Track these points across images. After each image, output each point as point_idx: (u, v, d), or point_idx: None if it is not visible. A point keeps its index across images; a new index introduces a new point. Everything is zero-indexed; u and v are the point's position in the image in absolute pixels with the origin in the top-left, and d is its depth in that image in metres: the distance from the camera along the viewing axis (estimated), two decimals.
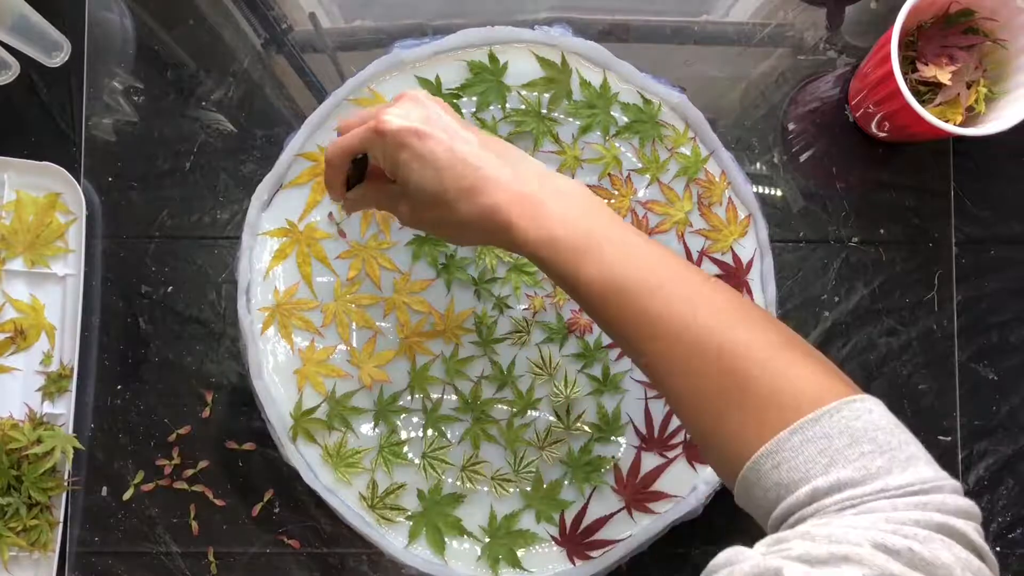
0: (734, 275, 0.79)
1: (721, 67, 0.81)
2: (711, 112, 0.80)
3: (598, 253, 0.55)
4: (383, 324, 0.79)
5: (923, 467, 0.46)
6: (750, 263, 0.79)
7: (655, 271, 0.54)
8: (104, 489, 0.79)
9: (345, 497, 0.78)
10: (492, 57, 0.79)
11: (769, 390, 0.49)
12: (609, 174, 0.79)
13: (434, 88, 0.79)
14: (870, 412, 0.48)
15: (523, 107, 0.79)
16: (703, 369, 0.52)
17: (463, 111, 0.79)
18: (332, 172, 0.63)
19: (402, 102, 0.59)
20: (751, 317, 0.53)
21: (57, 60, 0.80)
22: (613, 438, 0.78)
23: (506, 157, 0.58)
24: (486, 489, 0.78)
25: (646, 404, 0.78)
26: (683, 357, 0.52)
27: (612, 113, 0.79)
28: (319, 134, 0.79)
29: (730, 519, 0.79)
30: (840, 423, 0.47)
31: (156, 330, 0.80)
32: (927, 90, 0.73)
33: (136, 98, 0.81)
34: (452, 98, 0.79)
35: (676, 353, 0.53)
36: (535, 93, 0.79)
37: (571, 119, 0.79)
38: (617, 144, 0.79)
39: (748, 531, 0.78)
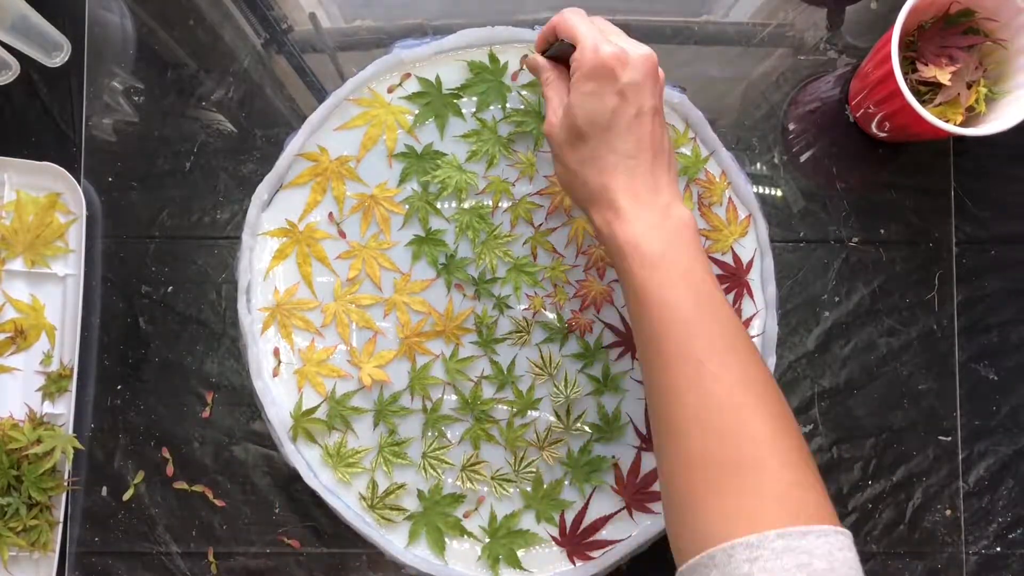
0: (734, 275, 0.79)
1: (721, 67, 0.81)
2: (711, 112, 0.80)
3: (665, 275, 0.59)
4: (383, 324, 0.79)
5: None
6: (750, 263, 0.79)
7: (709, 320, 0.59)
8: (104, 489, 0.79)
9: (345, 497, 0.78)
10: (492, 57, 0.79)
11: (781, 487, 0.52)
12: None
13: (435, 88, 0.79)
14: (850, 550, 0.50)
15: (523, 107, 0.79)
16: (717, 431, 0.55)
17: (463, 111, 0.79)
18: (544, 33, 0.70)
19: (641, 60, 0.62)
20: (781, 412, 0.57)
21: (57, 60, 0.80)
22: (613, 438, 0.78)
23: (654, 162, 0.63)
24: (486, 489, 0.78)
25: (646, 404, 0.78)
26: (698, 407, 0.56)
27: None
28: (319, 134, 0.79)
29: None
30: (824, 547, 0.49)
31: (156, 330, 0.80)
32: (927, 90, 0.73)
33: (136, 98, 0.81)
34: (452, 98, 0.79)
35: (691, 400, 0.56)
36: (535, 93, 0.79)
37: None
38: None
39: None
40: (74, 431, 0.77)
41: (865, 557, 0.78)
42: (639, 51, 0.62)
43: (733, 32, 0.82)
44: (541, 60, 0.71)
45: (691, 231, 0.62)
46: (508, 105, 0.79)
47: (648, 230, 0.60)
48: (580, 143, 0.63)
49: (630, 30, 0.80)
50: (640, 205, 0.61)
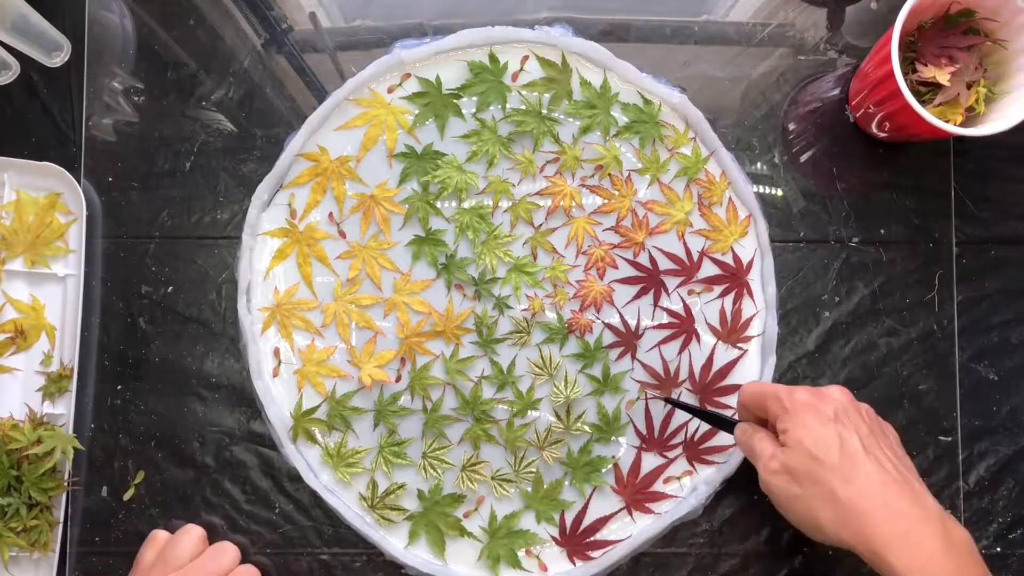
0: (735, 275, 0.79)
1: (721, 67, 0.81)
2: (711, 112, 0.80)
3: None
4: (383, 324, 0.79)
5: None
6: (750, 263, 0.79)
7: None
8: (104, 489, 0.79)
9: (345, 497, 0.78)
10: (492, 57, 0.79)
11: None
12: (609, 174, 0.79)
13: (435, 88, 0.79)
14: None
15: (523, 107, 0.79)
16: None
17: (463, 111, 0.79)
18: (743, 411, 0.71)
19: (837, 390, 0.65)
20: None
21: (57, 60, 0.80)
22: (613, 438, 0.78)
23: (908, 489, 0.61)
24: (486, 489, 0.78)
25: (646, 404, 0.78)
26: None
27: (612, 113, 0.79)
28: (319, 134, 0.79)
29: (730, 520, 0.79)
30: None
31: (156, 330, 0.80)
32: (927, 90, 0.73)
33: (136, 98, 0.81)
34: (452, 98, 0.79)
35: None
36: (535, 93, 0.79)
37: (571, 119, 0.79)
38: (617, 144, 0.79)
39: (748, 533, 0.79)
40: (74, 431, 0.77)
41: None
42: (830, 386, 0.65)
43: (733, 32, 0.82)
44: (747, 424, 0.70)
45: (976, 556, 0.60)
46: (508, 105, 0.79)
47: (930, 558, 0.58)
48: (816, 476, 0.61)
49: (630, 30, 0.81)
50: (912, 531, 0.59)
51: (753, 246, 0.79)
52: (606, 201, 0.79)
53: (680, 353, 0.79)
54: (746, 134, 0.81)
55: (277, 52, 0.81)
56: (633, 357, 0.79)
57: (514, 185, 0.79)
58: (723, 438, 0.78)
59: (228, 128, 0.81)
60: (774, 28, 0.81)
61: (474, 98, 0.79)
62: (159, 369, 0.79)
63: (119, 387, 0.79)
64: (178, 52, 0.81)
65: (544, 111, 0.79)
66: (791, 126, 0.81)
